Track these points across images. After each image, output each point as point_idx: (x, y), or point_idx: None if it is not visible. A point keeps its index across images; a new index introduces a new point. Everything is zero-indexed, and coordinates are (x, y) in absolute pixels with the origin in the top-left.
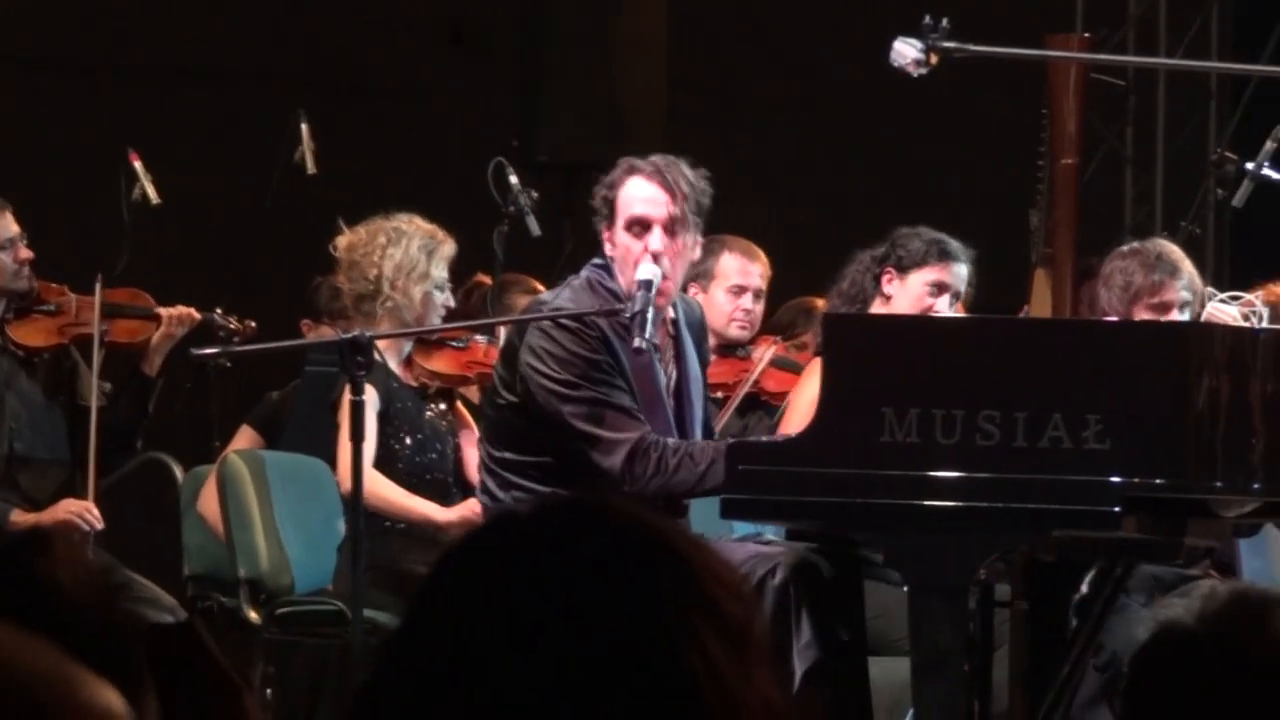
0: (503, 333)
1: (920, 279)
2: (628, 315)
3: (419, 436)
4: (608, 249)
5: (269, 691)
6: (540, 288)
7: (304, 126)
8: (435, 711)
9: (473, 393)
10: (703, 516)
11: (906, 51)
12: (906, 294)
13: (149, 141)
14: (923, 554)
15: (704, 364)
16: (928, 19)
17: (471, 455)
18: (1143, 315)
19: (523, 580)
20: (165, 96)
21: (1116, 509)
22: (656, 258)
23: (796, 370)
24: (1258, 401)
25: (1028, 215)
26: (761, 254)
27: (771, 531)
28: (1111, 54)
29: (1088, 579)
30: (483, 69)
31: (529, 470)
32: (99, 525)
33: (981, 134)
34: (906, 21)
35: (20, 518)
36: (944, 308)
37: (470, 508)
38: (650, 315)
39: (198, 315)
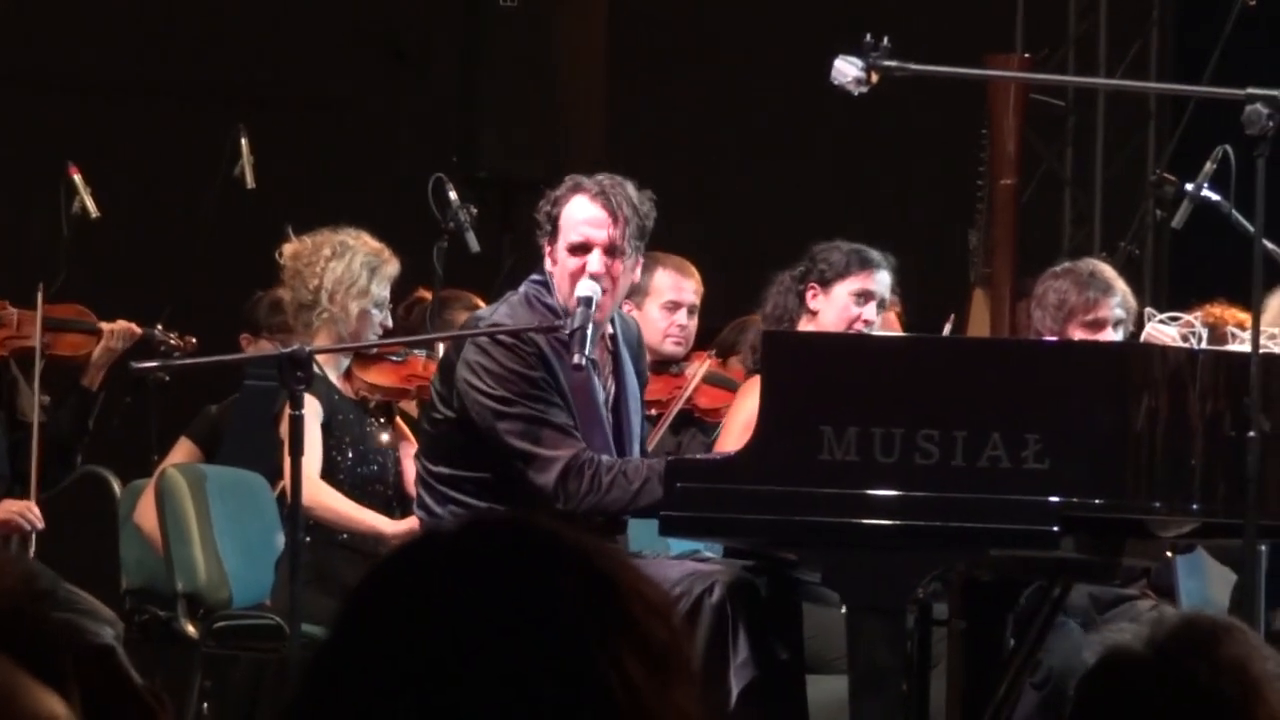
0: (441, 348)
1: (844, 289)
2: (567, 332)
3: (360, 449)
4: (548, 264)
5: (205, 705)
6: (481, 303)
7: (244, 141)
8: None
9: (412, 407)
10: (641, 533)
11: (847, 70)
12: (832, 306)
13: (88, 155)
14: (861, 572)
15: (642, 381)
16: (868, 38)
17: (410, 469)
18: (1077, 334)
19: (444, 598)
20: (105, 110)
21: (1055, 529)
22: (595, 278)
23: (730, 387)
24: (1196, 422)
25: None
26: (694, 270)
27: (709, 549)
28: (1051, 74)
29: (1024, 597)
30: (422, 85)
31: (465, 485)
32: (39, 525)
33: (920, 154)
34: (847, 40)
35: None
36: (871, 315)
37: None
38: (590, 332)
39: (138, 330)
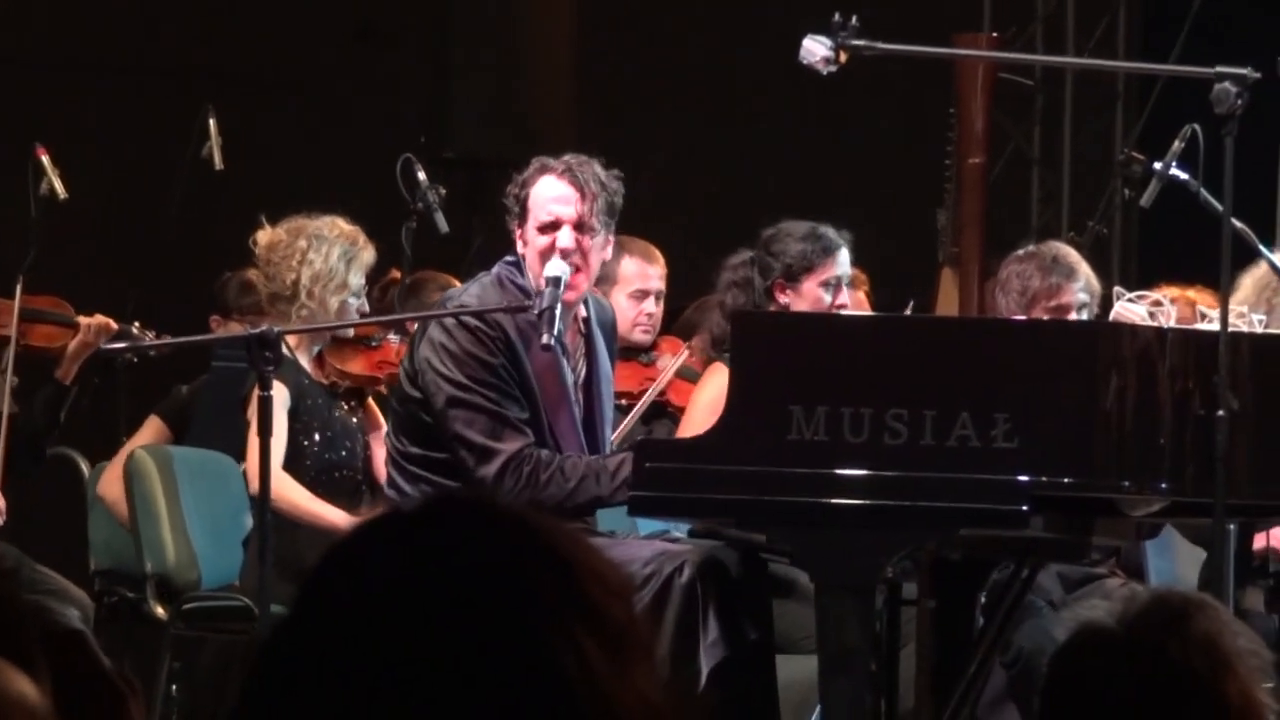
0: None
1: (813, 283)
2: (535, 312)
3: (328, 434)
4: (519, 247)
5: (174, 687)
6: (456, 284)
7: (212, 121)
8: (312, 704)
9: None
10: (610, 514)
11: (816, 49)
12: (805, 301)
13: (56, 136)
14: (830, 552)
15: (613, 363)
16: (837, 16)
17: (380, 455)
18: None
19: (402, 577)
20: (73, 91)
21: (1024, 508)
22: (565, 255)
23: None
24: (1165, 401)
25: (935, 214)
26: (659, 254)
27: (677, 529)
28: (1019, 53)
29: (993, 577)
30: (390, 64)
31: (436, 465)
32: (1, 517)
33: (888, 133)
34: (816, 18)
35: None
36: (845, 298)
37: None
38: (558, 312)
39: (115, 326)
